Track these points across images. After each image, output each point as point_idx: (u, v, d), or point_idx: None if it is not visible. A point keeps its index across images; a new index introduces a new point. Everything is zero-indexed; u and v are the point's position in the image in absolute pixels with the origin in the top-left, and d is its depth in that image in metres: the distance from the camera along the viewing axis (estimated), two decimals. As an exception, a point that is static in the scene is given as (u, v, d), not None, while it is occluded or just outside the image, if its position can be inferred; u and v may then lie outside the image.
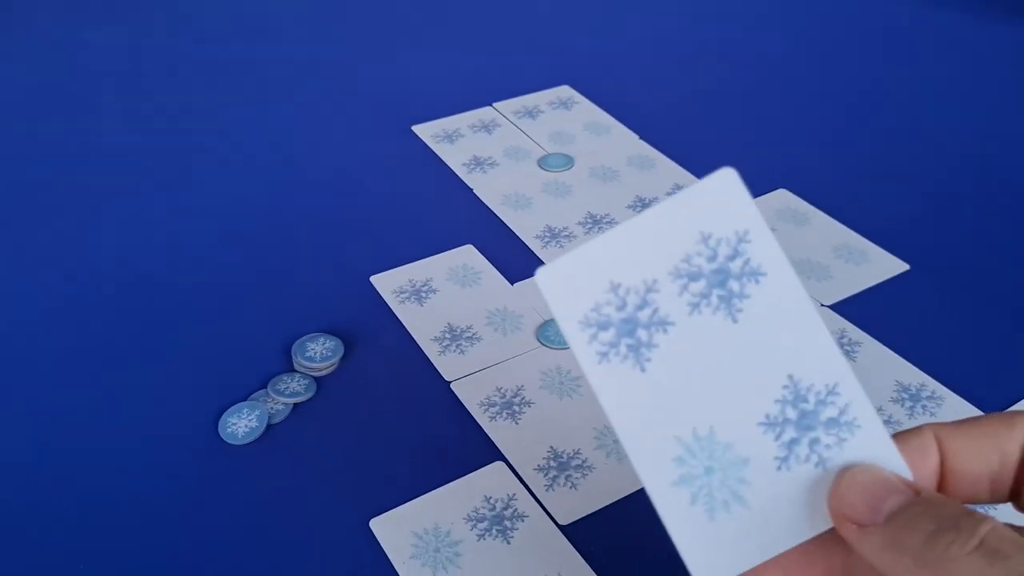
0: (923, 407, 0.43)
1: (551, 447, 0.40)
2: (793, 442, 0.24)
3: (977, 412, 0.42)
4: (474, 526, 0.37)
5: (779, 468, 0.24)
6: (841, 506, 0.24)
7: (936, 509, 0.22)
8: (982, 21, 0.77)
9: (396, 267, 0.50)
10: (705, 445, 0.24)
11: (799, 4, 0.80)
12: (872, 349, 0.46)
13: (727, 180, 0.24)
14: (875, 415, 0.24)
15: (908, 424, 0.42)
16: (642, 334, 0.23)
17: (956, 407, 0.43)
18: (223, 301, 0.48)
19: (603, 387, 0.24)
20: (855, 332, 0.46)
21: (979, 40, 0.75)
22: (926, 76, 0.70)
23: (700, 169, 0.58)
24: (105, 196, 0.56)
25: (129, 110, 0.66)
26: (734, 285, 0.23)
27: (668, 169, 0.59)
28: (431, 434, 0.41)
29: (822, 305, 0.48)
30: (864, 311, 0.48)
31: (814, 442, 0.24)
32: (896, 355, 0.45)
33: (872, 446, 0.24)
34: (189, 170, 0.59)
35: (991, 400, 0.43)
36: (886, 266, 0.51)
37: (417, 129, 0.63)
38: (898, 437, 0.26)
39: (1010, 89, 0.69)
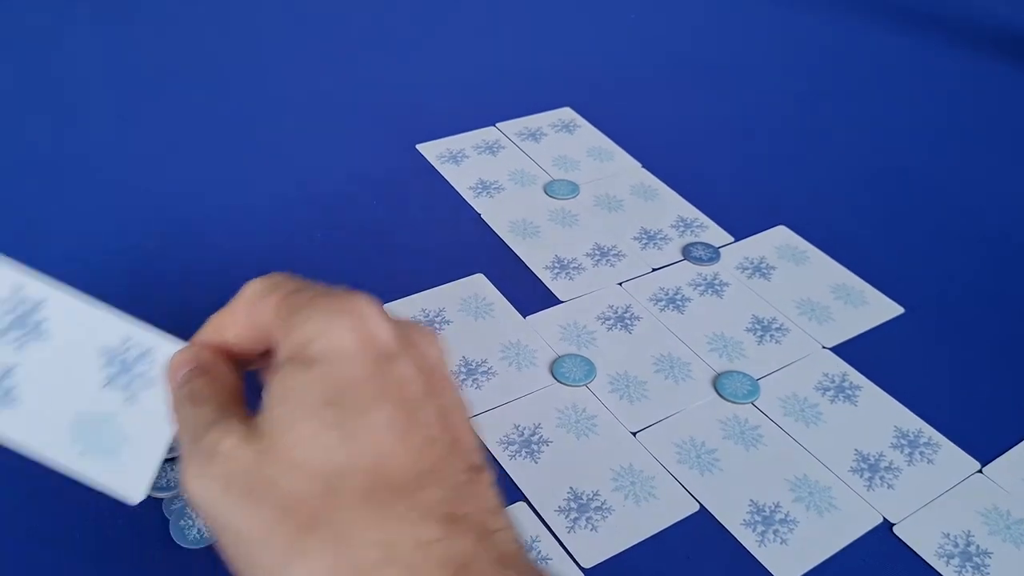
0: (920, 454, 0.45)
1: (571, 487, 0.41)
2: (126, 386, 0.33)
3: (971, 460, 0.44)
4: (500, 569, 0.38)
5: (131, 404, 0.33)
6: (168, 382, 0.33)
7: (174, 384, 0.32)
8: (983, 67, 0.79)
9: (409, 294, 0.51)
10: (87, 424, 0.33)
11: (807, 43, 0.81)
12: (872, 394, 0.47)
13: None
14: (162, 339, 0.33)
15: (910, 479, 0.44)
16: (5, 383, 0.33)
17: (952, 454, 0.45)
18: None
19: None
20: (856, 376, 0.48)
21: (979, 86, 0.77)
22: (929, 121, 0.72)
23: (702, 202, 0.60)
24: (98, 218, 0.56)
25: (124, 132, 0.64)
26: (30, 320, 0.33)
27: (671, 200, 0.60)
28: (452, 471, 0.42)
29: (823, 347, 0.50)
30: (862, 354, 0.50)
31: (134, 379, 0.33)
32: (895, 400, 0.47)
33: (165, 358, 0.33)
34: (190, 191, 0.58)
35: (985, 446, 0.45)
36: (882, 309, 0.53)
37: (422, 148, 0.63)
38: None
39: (1010, 136, 0.70)
